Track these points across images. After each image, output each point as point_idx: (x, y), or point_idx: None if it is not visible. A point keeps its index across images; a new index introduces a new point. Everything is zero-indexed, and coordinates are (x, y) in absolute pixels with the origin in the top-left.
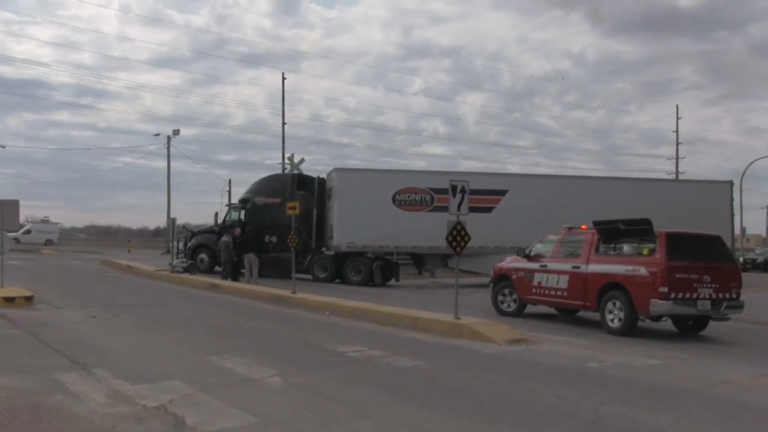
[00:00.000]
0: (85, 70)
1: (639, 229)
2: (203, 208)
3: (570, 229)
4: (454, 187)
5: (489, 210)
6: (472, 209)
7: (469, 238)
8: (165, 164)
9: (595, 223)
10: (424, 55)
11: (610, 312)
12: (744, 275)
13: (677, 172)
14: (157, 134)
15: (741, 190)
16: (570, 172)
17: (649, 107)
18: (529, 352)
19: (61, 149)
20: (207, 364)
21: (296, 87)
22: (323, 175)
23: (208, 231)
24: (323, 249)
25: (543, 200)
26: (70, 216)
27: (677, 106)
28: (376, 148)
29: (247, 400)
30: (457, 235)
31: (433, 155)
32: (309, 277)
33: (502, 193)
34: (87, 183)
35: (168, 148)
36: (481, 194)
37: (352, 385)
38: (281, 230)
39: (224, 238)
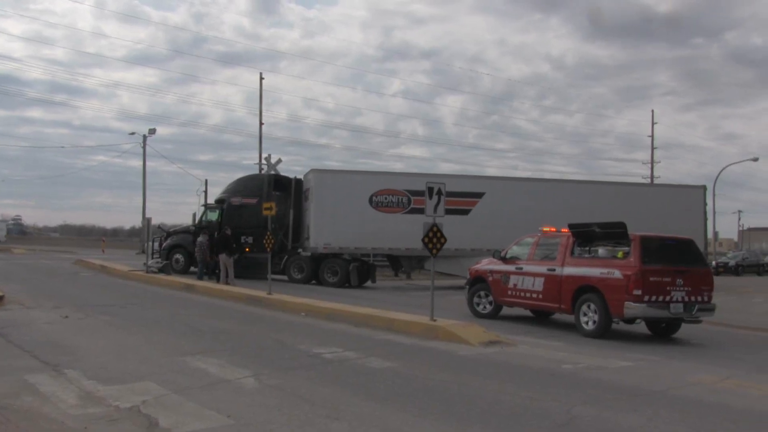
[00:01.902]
0: (58, 67)
1: (614, 233)
2: (179, 207)
3: (546, 231)
4: (430, 189)
5: (466, 212)
6: (448, 211)
7: (446, 240)
8: (140, 163)
9: (570, 226)
10: (403, 56)
11: (585, 314)
12: (716, 279)
13: (652, 177)
14: (133, 133)
15: (714, 194)
16: (548, 176)
17: (627, 112)
18: (504, 354)
19: (33, 147)
20: (181, 364)
21: (274, 87)
22: (300, 176)
23: (184, 231)
24: (300, 250)
25: (520, 203)
26: (43, 215)
27: (653, 111)
28: (354, 150)
29: (221, 401)
30: (434, 237)
31: (411, 157)
32: (285, 278)
33: (479, 195)
34: (61, 181)
35: (144, 148)
36: (459, 197)
37: (327, 387)
38: (258, 231)
39: (200, 239)
